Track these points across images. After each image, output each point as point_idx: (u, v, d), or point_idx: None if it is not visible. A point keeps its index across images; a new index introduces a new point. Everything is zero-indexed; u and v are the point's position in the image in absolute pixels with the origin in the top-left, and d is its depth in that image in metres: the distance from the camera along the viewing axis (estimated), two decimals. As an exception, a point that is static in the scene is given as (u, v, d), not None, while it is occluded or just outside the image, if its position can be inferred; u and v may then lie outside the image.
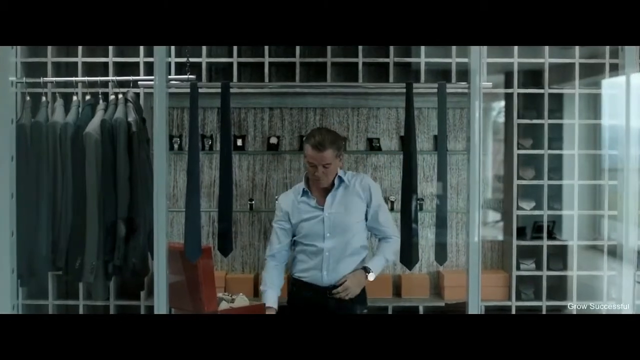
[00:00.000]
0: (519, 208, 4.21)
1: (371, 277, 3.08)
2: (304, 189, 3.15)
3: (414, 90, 2.88)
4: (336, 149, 3.05)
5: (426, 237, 4.32)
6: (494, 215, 4.49)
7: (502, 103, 4.37)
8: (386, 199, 4.32)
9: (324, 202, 3.11)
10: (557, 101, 4.26)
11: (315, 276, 3.10)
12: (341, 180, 3.12)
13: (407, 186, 2.90)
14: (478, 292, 2.32)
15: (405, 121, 2.92)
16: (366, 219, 3.15)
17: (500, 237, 4.45)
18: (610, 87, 4.12)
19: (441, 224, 2.88)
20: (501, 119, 4.41)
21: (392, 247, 3.14)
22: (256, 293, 4.21)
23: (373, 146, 4.38)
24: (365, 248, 3.17)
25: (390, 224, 3.21)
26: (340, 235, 3.08)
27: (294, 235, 3.16)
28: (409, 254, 2.90)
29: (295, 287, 3.17)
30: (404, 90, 2.88)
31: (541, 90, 4.17)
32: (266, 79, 4.19)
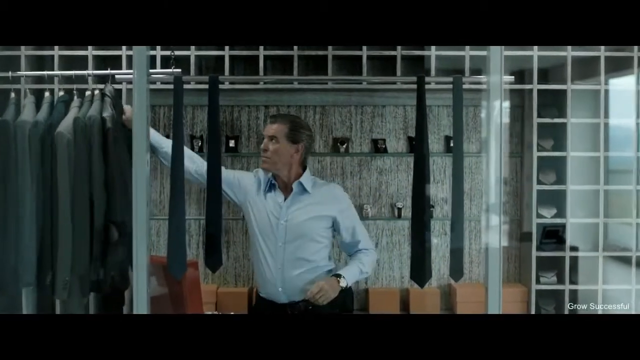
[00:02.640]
0: (539, 215, 3.87)
1: (342, 282, 2.74)
2: (271, 182, 2.82)
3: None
4: (289, 129, 2.76)
5: (436, 247, 4.02)
6: (505, 222, 4.17)
7: (508, 102, 4.04)
8: (393, 206, 4.06)
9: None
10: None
11: (272, 292, 2.82)
12: (302, 187, 2.80)
13: (419, 192, 2.62)
14: (499, 302, 2.04)
15: (417, 120, 2.64)
16: (339, 234, 2.85)
17: (513, 246, 4.12)
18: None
19: (457, 233, 2.60)
20: (505, 118, 4.08)
21: (370, 258, 2.85)
22: (251, 309, 3.91)
23: (378, 148, 4.09)
24: (327, 266, 2.85)
25: (367, 237, 2.92)
26: (296, 247, 2.77)
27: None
28: (421, 269, 2.61)
29: (257, 304, 2.94)
30: (413, 85, 2.60)
31: (564, 86, 3.83)
32: (261, 74, 3.87)
